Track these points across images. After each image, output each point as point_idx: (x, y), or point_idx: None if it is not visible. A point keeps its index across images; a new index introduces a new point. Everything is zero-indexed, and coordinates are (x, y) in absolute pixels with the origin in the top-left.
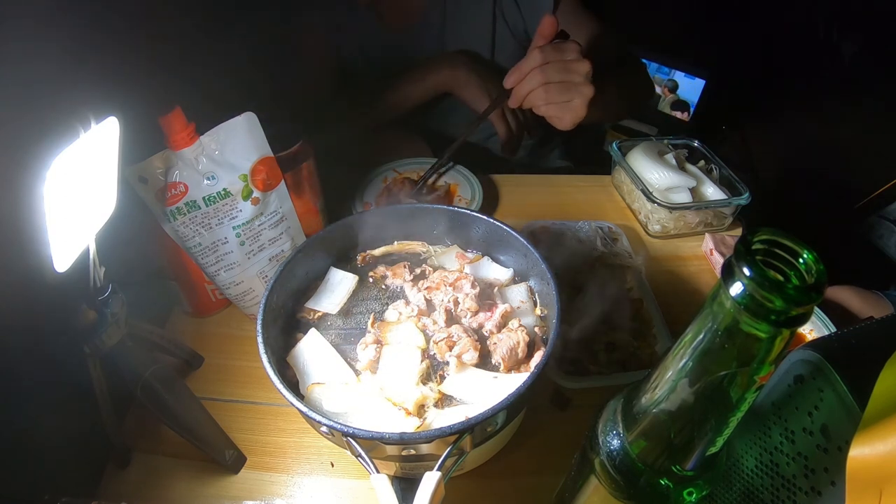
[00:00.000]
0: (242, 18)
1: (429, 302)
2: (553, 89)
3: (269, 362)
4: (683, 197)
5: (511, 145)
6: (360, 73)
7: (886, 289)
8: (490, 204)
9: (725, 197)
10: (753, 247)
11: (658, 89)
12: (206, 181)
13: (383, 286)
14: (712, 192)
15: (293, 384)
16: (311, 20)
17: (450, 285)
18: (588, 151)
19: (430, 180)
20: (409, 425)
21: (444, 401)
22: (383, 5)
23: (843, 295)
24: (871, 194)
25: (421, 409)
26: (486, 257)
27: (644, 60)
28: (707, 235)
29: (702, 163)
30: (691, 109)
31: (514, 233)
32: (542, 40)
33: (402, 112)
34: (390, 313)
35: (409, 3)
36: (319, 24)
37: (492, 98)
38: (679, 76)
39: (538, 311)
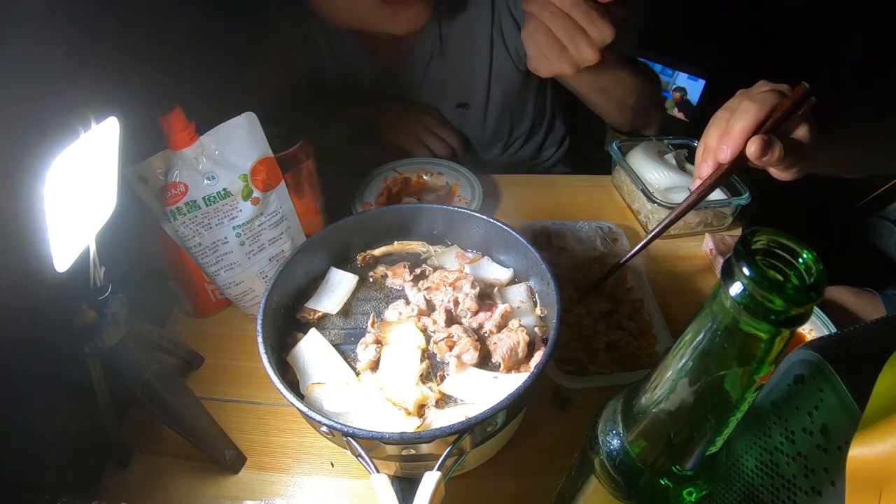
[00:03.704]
0: (230, 21)
1: (429, 302)
2: (559, 23)
3: (269, 362)
4: (683, 197)
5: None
6: (336, 95)
7: (885, 288)
8: (490, 204)
9: (725, 197)
10: (753, 247)
11: (669, 94)
12: (206, 181)
13: (383, 286)
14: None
15: (293, 384)
16: (282, 38)
17: (450, 285)
18: (588, 151)
19: (430, 179)
20: (409, 425)
21: (444, 401)
22: (374, 38)
23: (837, 294)
24: (871, 194)
25: (421, 409)
26: (486, 257)
27: (645, 61)
28: (707, 235)
29: None
30: (691, 109)
31: (514, 233)
32: None
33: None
34: (390, 313)
35: (400, 38)
36: (291, 42)
37: (425, 144)
38: (680, 76)
39: (538, 311)
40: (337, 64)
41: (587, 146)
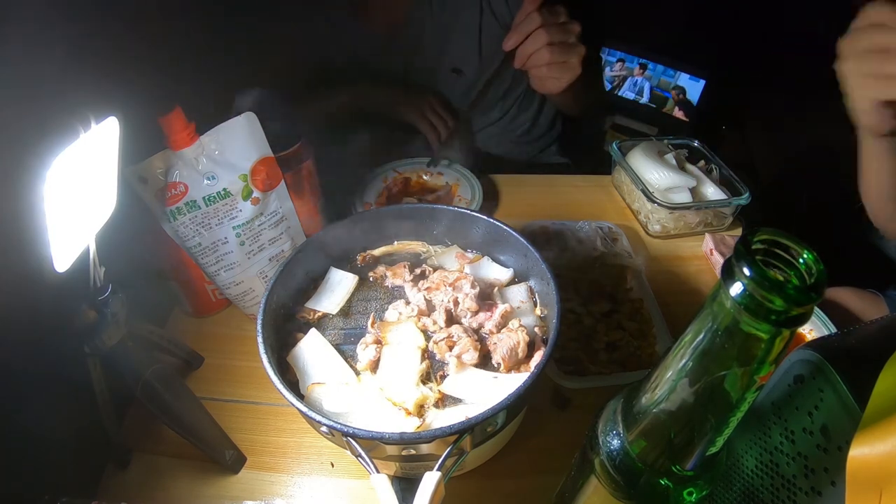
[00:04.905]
0: (230, 20)
1: (429, 302)
2: (556, 49)
3: (269, 362)
4: (683, 197)
5: (442, 144)
6: (340, 75)
7: (885, 289)
8: (490, 204)
9: (725, 197)
10: (753, 247)
11: (669, 94)
12: (206, 181)
13: (383, 286)
14: (712, 192)
15: (293, 384)
16: (292, 24)
17: (450, 285)
18: (588, 151)
19: (430, 179)
20: (409, 425)
21: (444, 401)
22: (371, 12)
23: (841, 295)
24: None
25: (421, 409)
26: (486, 257)
27: (646, 61)
28: (707, 235)
29: (702, 163)
30: (691, 109)
31: (514, 233)
32: (532, 5)
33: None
34: (390, 313)
35: (393, 10)
36: (300, 27)
37: (413, 106)
38: (680, 76)
39: (538, 311)
40: (338, 46)
41: (587, 146)
